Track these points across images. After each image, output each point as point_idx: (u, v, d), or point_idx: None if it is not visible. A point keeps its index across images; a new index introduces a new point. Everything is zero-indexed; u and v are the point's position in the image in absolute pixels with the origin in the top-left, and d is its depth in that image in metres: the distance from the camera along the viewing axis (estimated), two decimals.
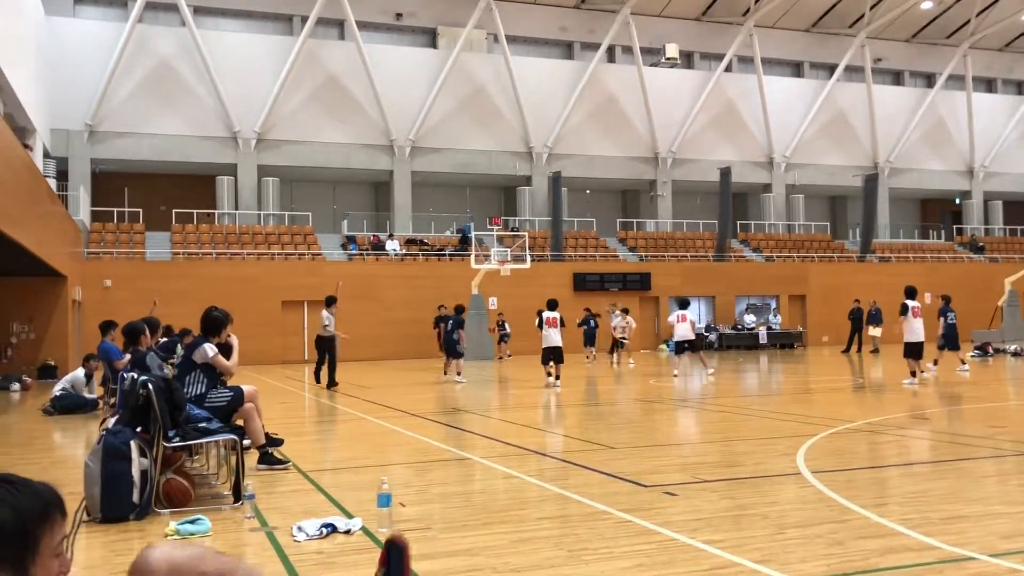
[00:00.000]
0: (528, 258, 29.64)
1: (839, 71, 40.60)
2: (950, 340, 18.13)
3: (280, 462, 7.62)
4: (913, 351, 15.92)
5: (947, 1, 39.74)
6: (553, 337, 16.68)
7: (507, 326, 28.95)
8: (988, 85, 45.14)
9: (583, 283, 33.09)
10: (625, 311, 25.07)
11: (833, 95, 41.03)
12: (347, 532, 5.11)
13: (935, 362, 17.75)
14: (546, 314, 17.03)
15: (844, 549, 4.48)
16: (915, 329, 16.14)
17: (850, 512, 5.34)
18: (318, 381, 17.60)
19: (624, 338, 24.13)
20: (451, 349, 18.64)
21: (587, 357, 25.81)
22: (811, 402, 13.62)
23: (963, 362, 18.47)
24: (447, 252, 33.26)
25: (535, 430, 10.51)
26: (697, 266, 35.51)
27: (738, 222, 40.23)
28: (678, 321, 19.50)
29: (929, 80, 43.44)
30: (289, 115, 33.96)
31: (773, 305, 36.42)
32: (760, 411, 12.13)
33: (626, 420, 11.62)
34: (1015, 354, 24.59)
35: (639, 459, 7.89)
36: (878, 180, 40.08)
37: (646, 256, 35.93)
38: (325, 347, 17.34)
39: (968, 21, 41.12)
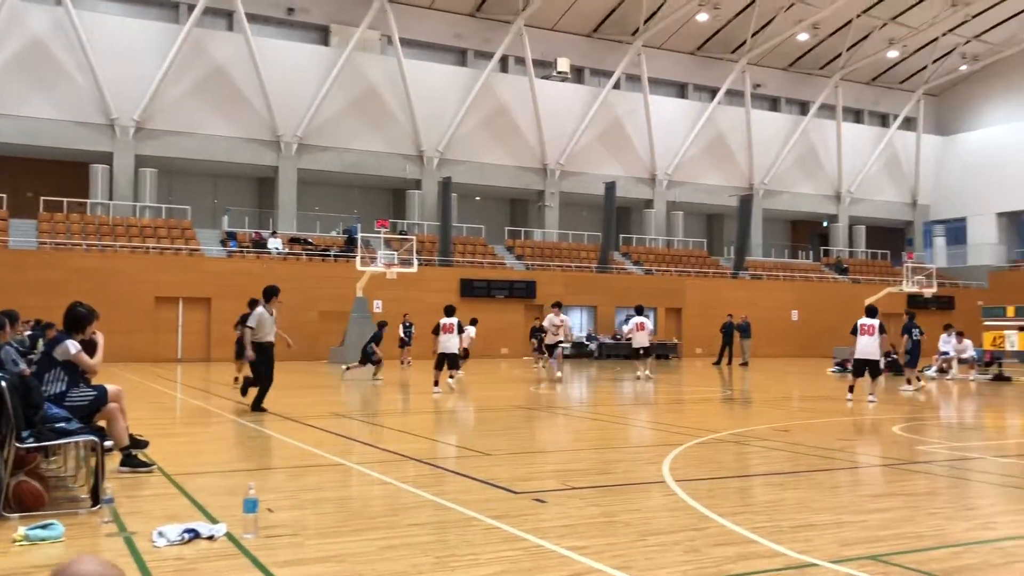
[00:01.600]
0: (415, 262, 29.54)
1: (720, 94, 42.21)
2: (914, 357, 19.17)
3: (144, 465, 7.37)
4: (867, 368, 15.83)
5: (821, 34, 41.91)
6: (449, 343, 16.69)
7: (412, 329, 26.86)
8: (856, 116, 47.80)
9: (470, 289, 33.21)
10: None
11: (714, 117, 42.61)
12: (210, 538, 5.00)
13: (914, 379, 19.04)
14: (443, 320, 16.93)
15: (699, 556, 4.69)
16: (861, 347, 15.85)
17: (708, 520, 5.58)
18: (244, 394, 13.28)
19: (561, 341, 22.82)
20: (365, 357, 19.17)
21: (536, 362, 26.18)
22: (681, 412, 14.09)
23: (908, 381, 19.18)
24: (332, 253, 32.78)
25: (414, 436, 10.51)
26: (580, 276, 36.20)
27: (621, 235, 41.26)
28: (636, 329, 21.24)
29: (803, 108, 45.67)
30: (171, 105, 32.80)
31: (650, 317, 37.46)
32: (633, 420, 12.48)
33: (504, 427, 11.75)
34: None
35: (513, 466, 8.00)
36: (753, 201, 41.87)
37: (532, 265, 36.37)
38: (263, 358, 12.35)
39: (840, 54, 43.49)
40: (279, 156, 34.76)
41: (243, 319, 13.97)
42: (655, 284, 37.24)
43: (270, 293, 12.69)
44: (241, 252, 31.70)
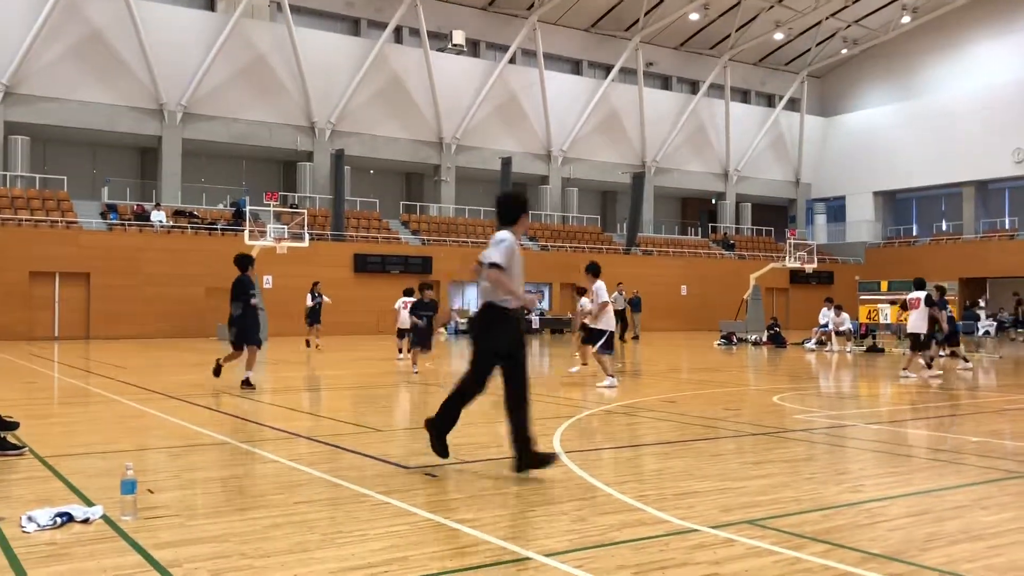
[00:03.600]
0: (306, 236, 28.97)
1: (614, 72, 42.75)
2: (951, 334, 17.99)
3: (14, 447, 7.01)
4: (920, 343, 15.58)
5: (712, 14, 42.87)
6: (406, 319, 17.04)
7: (322, 301, 23.13)
8: (744, 96, 49.22)
9: (364, 264, 32.81)
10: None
11: (608, 94, 43.14)
12: (85, 521, 4.79)
13: (952, 354, 18.30)
14: (403, 299, 17.79)
15: (585, 525, 4.77)
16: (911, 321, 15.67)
17: (596, 490, 5.69)
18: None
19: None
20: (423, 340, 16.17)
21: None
22: (573, 385, 14.31)
23: (962, 358, 18.04)
24: (219, 226, 31.81)
25: (306, 414, 10.33)
26: (477, 252, 36.15)
27: None
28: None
29: (694, 87, 46.72)
30: (45, 69, 31.05)
31: (545, 292, 37.90)
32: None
33: (399, 403, 11.69)
34: (755, 343, 27.07)
35: (406, 441, 7.97)
36: (645, 178, 42.71)
37: (428, 240, 36.17)
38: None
39: (729, 35, 44.61)
40: (163, 125, 33.40)
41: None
42: (550, 260, 37.62)
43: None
44: (122, 225, 30.40)
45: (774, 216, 50.76)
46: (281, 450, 7.32)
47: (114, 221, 30.49)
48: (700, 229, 47.78)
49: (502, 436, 8.35)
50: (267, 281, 29.58)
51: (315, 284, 23.64)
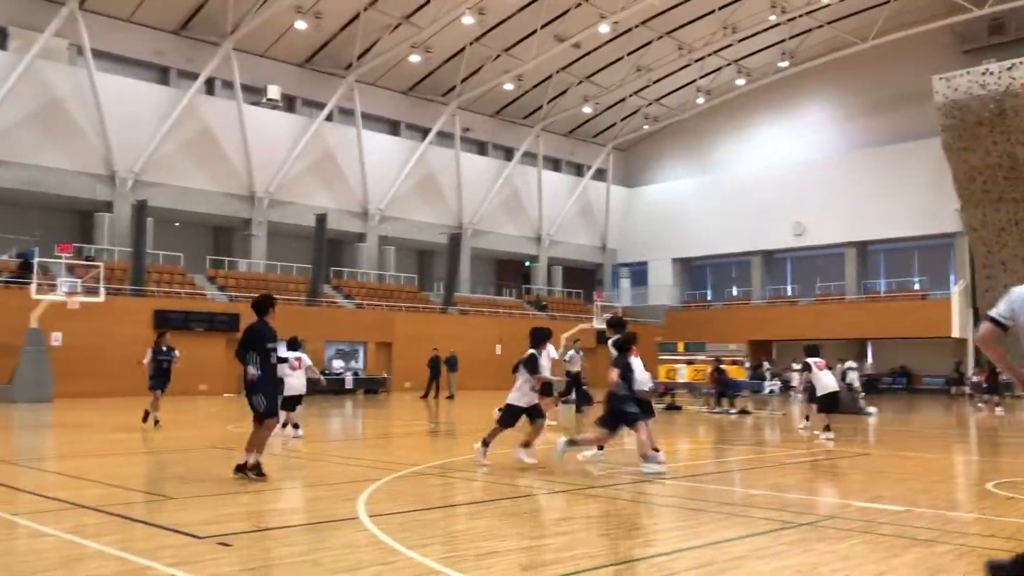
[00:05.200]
0: (102, 290, 27.21)
1: (432, 135, 43.45)
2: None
3: None
4: (826, 403, 15.01)
5: (525, 86, 44.62)
6: (295, 384, 14.56)
7: (174, 353, 17.23)
8: (555, 164, 51.30)
9: (165, 321, 31.10)
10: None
11: (426, 156, 43.73)
12: None
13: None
14: (291, 354, 14.62)
15: None
16: (824, 382, 15.06)
17: (397, 554, 5.64)
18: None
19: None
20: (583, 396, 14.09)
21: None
22: (386, 447, 14.16)
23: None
24: (2, 278, 29.34)
25: (91, 482, 9.60)
26: (289, 309, 35.17)
27: (332, 268, 40.86)
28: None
29: (508, 153, 48.22)
30: None
31: (360, 351, 37.39)
32: (336, 456, 12.33)
33: (196, 468, 11.10)
34: (567, 401, 27.74)
35: (200, 509, 7.58)
36: (462, 239, 43.39)
37: (236, 296, 34.90)
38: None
39: (541, 106, 46.55)
40: None
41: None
42: (366, 318, 37.23)
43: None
44: None
45: (583, 279, 52.80)
46: (60, 522, 6.77)
47: None
48: (515, 290, 48.88)
49: (304, 500, 8.13)
50: (56, 338, 27.48)
51: (161, 335, 17.91)
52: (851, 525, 6.90)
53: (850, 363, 24.17)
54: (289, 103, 39.86)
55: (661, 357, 30.97)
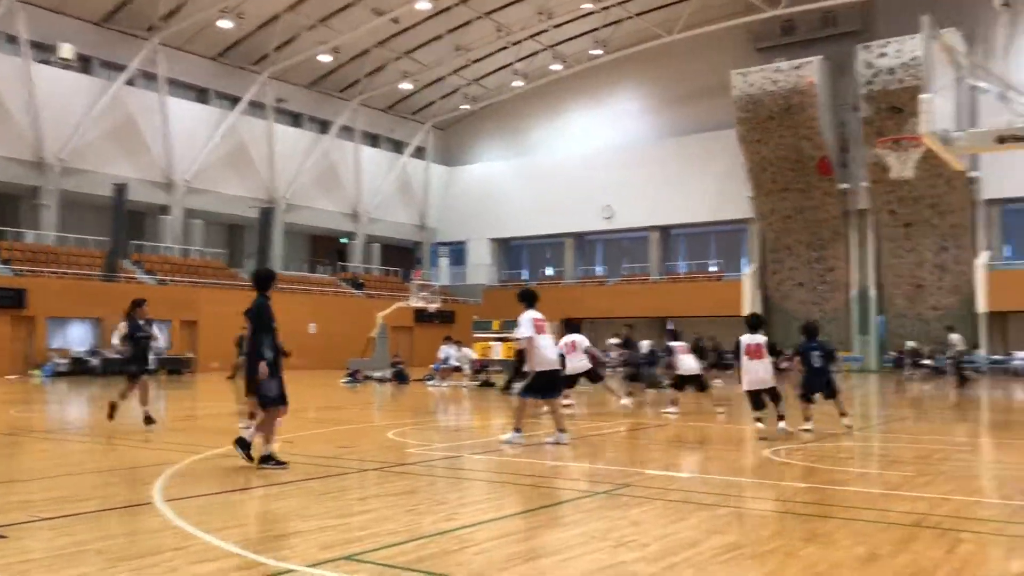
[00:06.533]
0: None
1: (243, 104, 41.73)
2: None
3: None
4: (684, 383, 15.16)
5: (342, 58, 43.69)
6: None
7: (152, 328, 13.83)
8: (374, 140, 50.63)
9: None
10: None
11: (237, 127, 41.97)
12: None
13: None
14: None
15: None
16: (687, 364, 14.77)
17: (193, 538, 5.44)
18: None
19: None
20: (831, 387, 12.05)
21: None
22: (190, 429, 13.60)
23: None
24: None
25: None
26: (83, 285, 32.94)
27: (132, 242, 38.46)
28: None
29: (324, 127, 47.11)
30: None
31: (166, 329, 35.54)
32: (132, 441, 11.69)
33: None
34: (380, 380, 27.68)
35: None
36: (274, 213, 42.05)
37: (22, 270, 32.23)
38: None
39: (359, 80, 45.75)
40: None
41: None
42: (169, 295, 35.36)
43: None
44: None
45: (401, 257, 52.57)
46: None
47: None
48: (330, 268, 47.95)
49: (94, 487, 7.67)
50: None
51: (137, 305, 13.42)
52: (644, 492, 7.32)
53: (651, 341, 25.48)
54: (85, 63, 37.06)
55: (476, 335, 31.42)
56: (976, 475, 9.21)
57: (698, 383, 15.82)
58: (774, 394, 11.93)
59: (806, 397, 12.29)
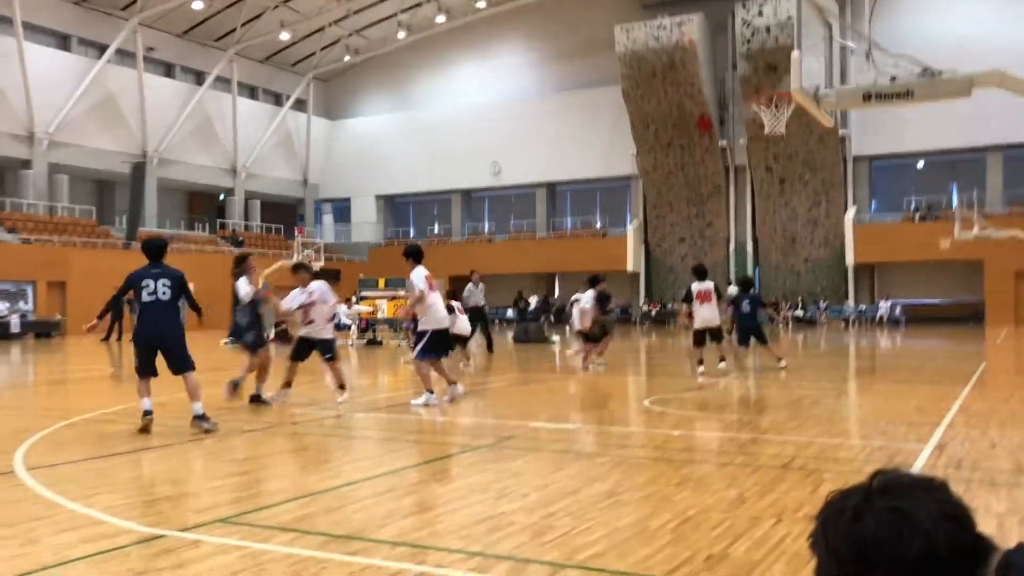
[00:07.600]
0: None
1: (110, 53, 39.49)
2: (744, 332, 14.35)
3: None
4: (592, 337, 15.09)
5: (217, 5, 41.77)
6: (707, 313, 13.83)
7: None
8: (251, 92, 48.83)
9: None
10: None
11: (103, 77, 39.72)
12: None
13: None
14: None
15: (37, 547, 4.33)
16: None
17: (57, 507, 5.19)
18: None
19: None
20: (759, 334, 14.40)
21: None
22: (59, 393, 12.98)
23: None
24: None
25: None
26: None
27: None
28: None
29: (199, 78, 45.10)
30: None
31: (30, 291, 33.67)
32: None
33: None
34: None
35: None
36: (146, 168, 40.19)
37: None
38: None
39: (235, 29, 43.90)
40: None
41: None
42: (34, 255, 33.45)
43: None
44: None
45: (284, 214, 51.19)
46: None
47: None
48: (208, 225, 46.29)
49: None
50: None
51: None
52: (526, 444, 7.41)
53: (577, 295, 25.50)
54: None
55: (362, 294, 31.03)
56: (842, 418, 9.73)
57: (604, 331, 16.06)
58: (717, 333, 13.55)
59: (741, 342, 14.06)
